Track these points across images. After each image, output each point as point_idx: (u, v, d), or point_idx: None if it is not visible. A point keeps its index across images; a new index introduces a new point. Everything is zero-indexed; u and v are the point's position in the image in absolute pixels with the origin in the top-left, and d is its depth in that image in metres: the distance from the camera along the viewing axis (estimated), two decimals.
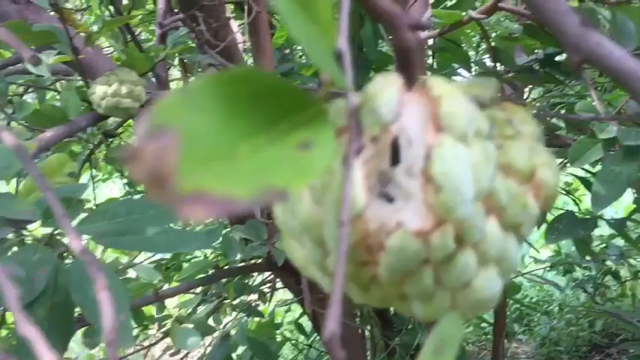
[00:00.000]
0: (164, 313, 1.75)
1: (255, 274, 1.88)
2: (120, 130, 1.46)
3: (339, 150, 0.36)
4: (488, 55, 1.65)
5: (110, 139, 1.47)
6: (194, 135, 0.22)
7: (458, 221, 0.35)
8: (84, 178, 1.80)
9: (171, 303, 1.98)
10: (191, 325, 1.36)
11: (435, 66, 1.77)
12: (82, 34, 1.14)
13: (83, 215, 0.90)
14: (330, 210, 0.36)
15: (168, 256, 1.78)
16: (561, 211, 1.46)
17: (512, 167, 0.38)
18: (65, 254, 0.96)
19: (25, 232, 0.98)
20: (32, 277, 0.83)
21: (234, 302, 1.63)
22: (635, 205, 1.51)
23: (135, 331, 1.81)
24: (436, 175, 0.34)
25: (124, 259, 1.61)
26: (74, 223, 0.89)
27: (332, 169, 0.36)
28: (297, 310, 2.23)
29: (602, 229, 2.55)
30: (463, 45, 1.90)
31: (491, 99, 0.41)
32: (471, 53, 2.09)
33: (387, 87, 0.36)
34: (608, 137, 1.17)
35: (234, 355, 1.59)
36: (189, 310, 1.68)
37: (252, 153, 0.25)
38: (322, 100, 0.34)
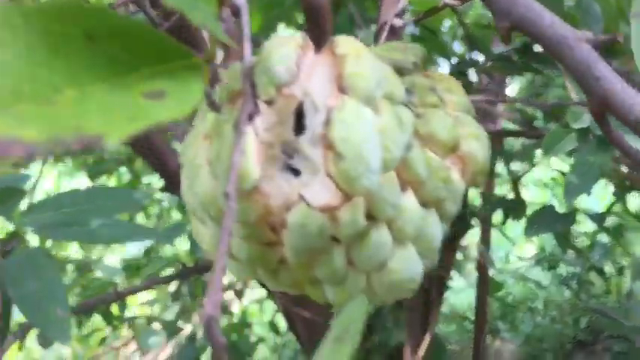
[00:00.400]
0: (137, 314, 1.71)
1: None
2: None
3: (231, 115, 0.33)
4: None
5: None
6: None
7: (364, 193, 0.31)
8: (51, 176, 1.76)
9: (144, 301, 1.95)
10: (158, 326, 1.32)
11: None
12: None
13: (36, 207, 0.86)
14: (223, 182, 0.32)
15: (141, 253, 1.73)
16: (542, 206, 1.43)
17: (433, 137, 0.35)
18: (8, 249, 0.92)
19: None
20: None
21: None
22: (615, 198, 1.48)
23: (106, 332, 1.77)
24: (336, 141, 0.30)
25: (94, 256, 1.56)
26: (14, 214, 0.85)
27: (224, 137, 0.32)
28: (273, 308, 2.19)
29: (588, 226, 2.52)
30: (444, 34, 1.86)
31: (413, 65, 0.37)
32: (457, 45, 2.05)
33: (283, 45, 0.32)
34: (581, 127, 1.14)
35: (204, 356, 1.54)
36: (164, 308, 1.64)
37: (80, 100, 0.21)
38: (204, 57, 0.31)
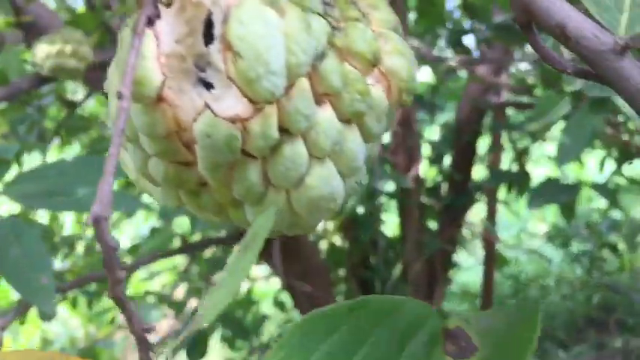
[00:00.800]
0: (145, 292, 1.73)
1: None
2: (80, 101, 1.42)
3: (134, 21, 0.32)
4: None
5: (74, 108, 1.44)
6: None
7: (269, 98, 0.31)
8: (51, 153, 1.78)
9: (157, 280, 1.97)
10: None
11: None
12: None
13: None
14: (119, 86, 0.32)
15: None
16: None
17: (351, 49, 0.34)
18: None
19: None
20: None
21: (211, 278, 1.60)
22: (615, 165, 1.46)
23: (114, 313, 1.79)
24: (233, 39, 0.30)
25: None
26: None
27: (124, 43, 0.32)
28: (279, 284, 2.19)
29: (600, 202, 2.48)
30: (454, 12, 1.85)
31: None
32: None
33: None
34: (574, 90, 1.12)
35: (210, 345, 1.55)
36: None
37: None
38: None
